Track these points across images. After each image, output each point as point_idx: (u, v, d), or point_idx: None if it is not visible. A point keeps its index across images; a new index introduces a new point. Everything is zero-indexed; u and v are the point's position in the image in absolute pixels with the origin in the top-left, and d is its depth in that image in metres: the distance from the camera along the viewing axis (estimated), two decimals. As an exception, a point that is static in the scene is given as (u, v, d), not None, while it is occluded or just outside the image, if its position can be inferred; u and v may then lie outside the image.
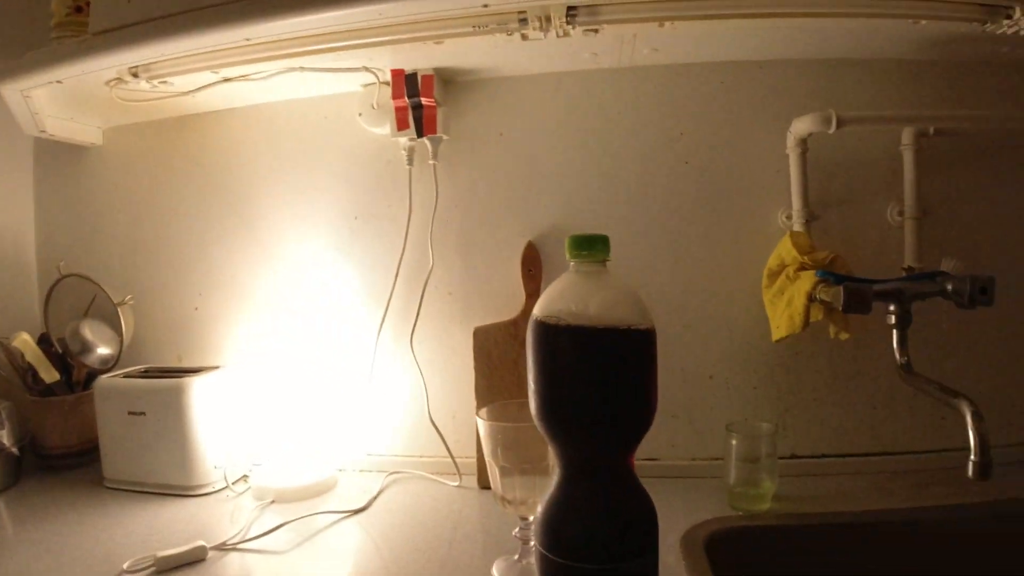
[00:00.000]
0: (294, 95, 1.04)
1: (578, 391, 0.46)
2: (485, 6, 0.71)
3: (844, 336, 0.85)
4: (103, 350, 1.05)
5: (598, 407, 0.46)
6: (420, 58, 0.90)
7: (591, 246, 0.50)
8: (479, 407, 0.93)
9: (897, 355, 0.75)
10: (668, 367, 0.94)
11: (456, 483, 0.95)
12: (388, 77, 0.94)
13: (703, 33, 0.84)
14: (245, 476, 0.99)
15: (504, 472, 0.70)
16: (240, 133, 1.07)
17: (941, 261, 0.80)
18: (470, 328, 0.98)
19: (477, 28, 0.77)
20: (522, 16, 0.75)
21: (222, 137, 1.08)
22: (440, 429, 0.99)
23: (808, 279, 0.84)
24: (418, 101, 0.95)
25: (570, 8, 0.74)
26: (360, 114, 0.99)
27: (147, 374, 1.00)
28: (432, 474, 0.98)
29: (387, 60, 0.90)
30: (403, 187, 1.00)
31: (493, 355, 0.96)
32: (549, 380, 0.48)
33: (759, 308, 0.91)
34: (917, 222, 0.87)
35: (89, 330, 1.05)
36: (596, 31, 0.78)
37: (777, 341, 0.88)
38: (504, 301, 0.99)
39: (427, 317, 1.00)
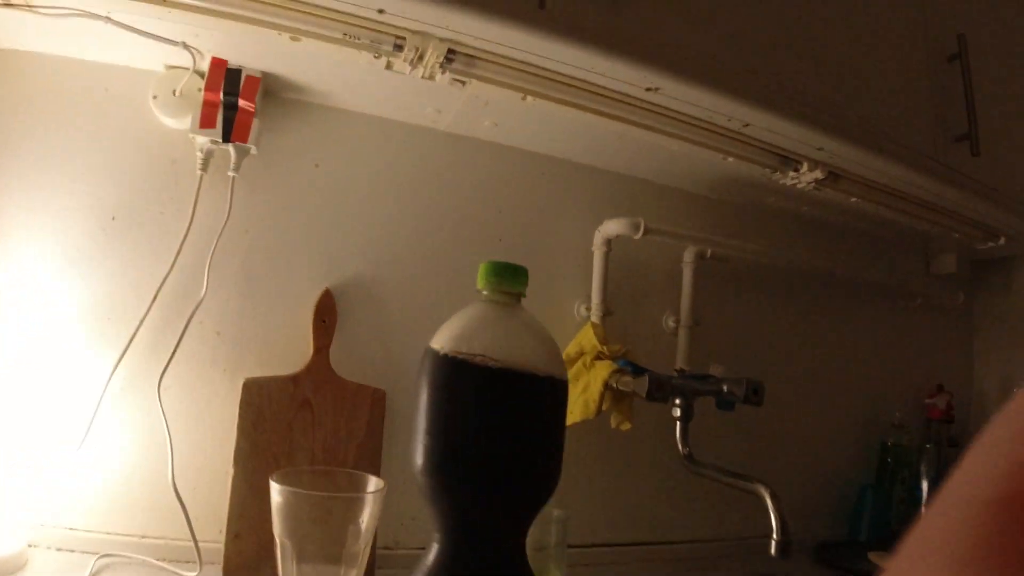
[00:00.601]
0: (76, 53, 0.83)
1: (484, 438, 0.41)
2: (380, 11, 0.66)
3: (626, 426, 0.92)
4: None
5: (507, 458, 0.41)
6: (254, 54, 0.81)
7: (513, 276, 0.47)
8: (237, 475, 0.78)
9: (680, 446, 0.83)
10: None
11: (194, 573, 0.76)
12: (206, 65, 0.82)
13: (544, 120, 0.90)
14: None
15: (303, 557, 0.58)
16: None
17: (710, 366, 0.94)
18: (238, 378, 0.83)
19: (348, 37, 0.72)
20: (399, 42, 0.72)
21: None
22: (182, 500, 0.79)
23: (605, 368, 0.90)
24: (234, 101, 0.83)
25: (450, 51, 0.73)
26: (155, 96, 0.84)
27: None
28: (160, 560, 0.78)
29: (215, 42, 0.78)
30: (185, 194, 0.84)
31: (265, 413, 0.81)
32: (448, 424, 0.42)
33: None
34: (690, 330, 1.00)
35: None
36: (463, 83, 0.78)
37: (570, 425, 0.92)
38: (284, 351, 0.87)
39: (183, 358, 0.82)
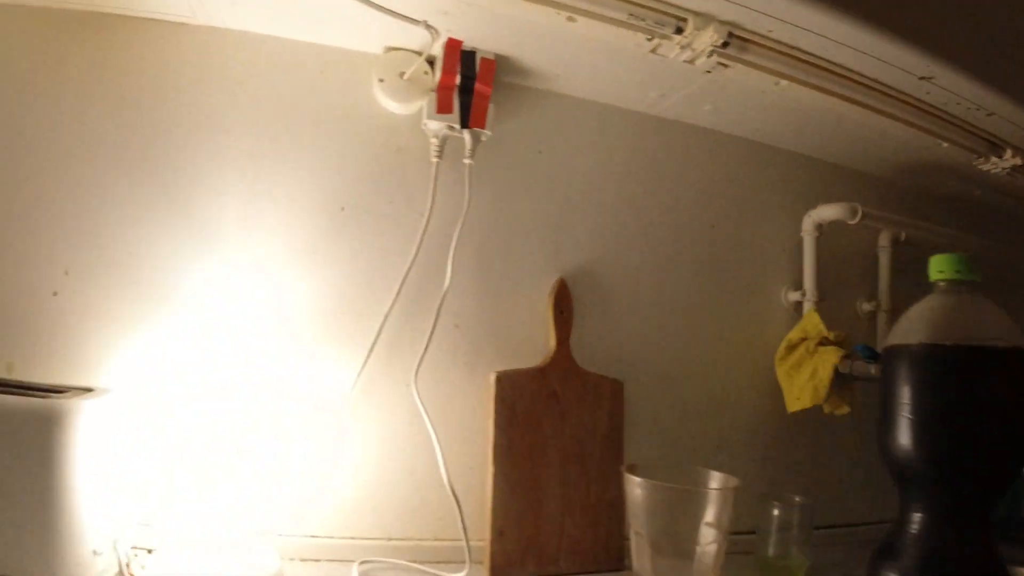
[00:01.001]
0: (289, 32, 0.80)
1: (976, 417, 0.42)
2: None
3: (844, 411, 0.94)
4: None
5: (996, 434, 0.42)
6: (485, 35, 0.78)
7: (970, 265, 0.47)
8: (497, 471, 0.77)
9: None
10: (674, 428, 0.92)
11: (463, 573, 0.75)
12: (434, 47, 0.79)
13: (769, 105, 0.89)
14: (137, 564, 0.63)
15: (658, 550, 0.57)
16: (186, 60, 0.77)
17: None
18: (476, 372, 0.82)
19: (631, 17, 0.70)
20: (680, 24, 0.71)
21: (154, 59, 0.76)
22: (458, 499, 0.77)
23: (833, 353, 0.90)
24: (471, 84, 0.81)
25: (730, 34, 0.73)
26: (381, 80, 0.81)
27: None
28: (422, 563, 0.76)
29: (451, 23, 0.75)
30: (414, 183, 0.83)
31: (517, 408, 0.80)
32: (942, 408, 0.42)
33: (762, 379, 0.96)
34: (888, 314, 1.02)
35: None
36: (726, 66, 0.77)
37: (793, 412, 0.93)
38: (520, 343, 0.85)
39: (427, 353, 0.80)
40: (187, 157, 0.76)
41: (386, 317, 0.79)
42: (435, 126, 0.81)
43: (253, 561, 0.67)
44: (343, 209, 0.81)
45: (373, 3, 0.71)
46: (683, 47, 0.75)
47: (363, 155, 0.82)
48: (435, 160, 0.82)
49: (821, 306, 0.99)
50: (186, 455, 0.71)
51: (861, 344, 0.88)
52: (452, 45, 0.80)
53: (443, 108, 0.81)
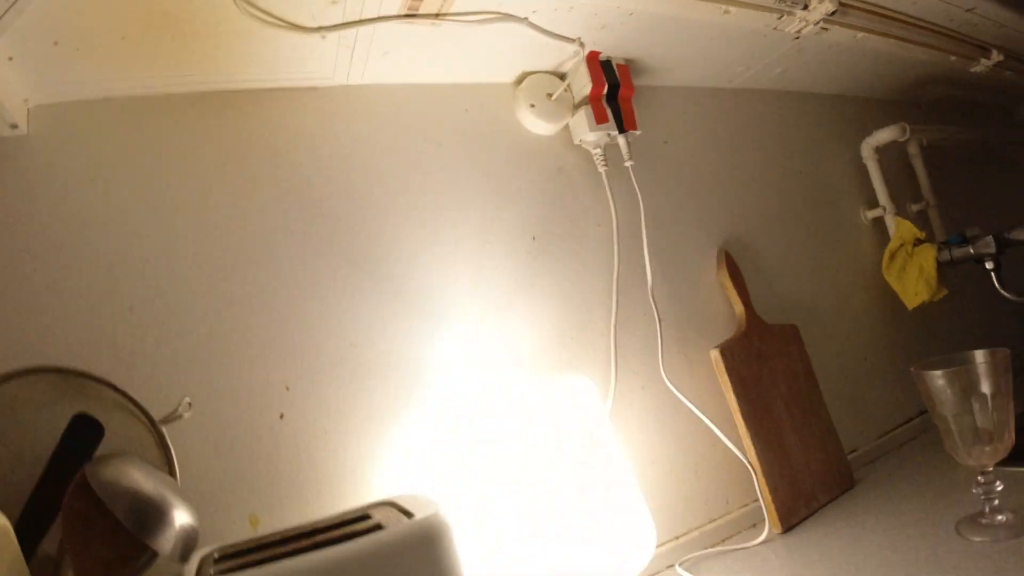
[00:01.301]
0: (425, 78, 0.79)
1: None
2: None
3: (944, 294, 1.10)
4: (183, 517, 0.53)
5: None
6: (615, 43, 0.83)
7: None
8: (752, 434, 0.83)
9: (1003, 290, 1.04)
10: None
11: (764, 534, 0.80)
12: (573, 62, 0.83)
13: (834, 59, 1.03)
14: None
15: (961, 435, 0.66)
16: (331, 124, 0.73)
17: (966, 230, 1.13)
18: (687, 351, 0.88)
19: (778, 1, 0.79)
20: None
21: (298, 130, 0.71)
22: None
23: (930, 249, 1.06)
24: (615, 91, 0.85)
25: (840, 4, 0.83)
26: (532, 105, 0.83)
27: (274, 549, 0.53)
28: (726, 540, 0.81)
29: (604, 35, 0.80)
30: (587, 195, 0.86)
31: (742, 373, 0.87)
32: None
33: (869, 292, 1.12)
34: (937, 209, 1.20)
35: (150, 480, 0.52)
36: (826, 30, 0.89)
37: (914, 308, 1.08)
38: (710, 317, 0.92)
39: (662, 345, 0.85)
40: (370, 218, 0.73)
41: (614, 327, 0.82)
42: (594, 137, 0.85)
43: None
44: (534, 239, 0.82)
45: (540, 28, 0.74)
46: (803, 20, 0.86)
47: (533, 182, 0.84)
48: (603, 169, 0.86)
49: (854, 219, 1.17)
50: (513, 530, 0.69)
51: (953, 235, 1.05)
52: (593, 57, 0.84)
53: (601, 118, 0.85)
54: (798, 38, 0.92)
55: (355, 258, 0.71)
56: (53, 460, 0.53)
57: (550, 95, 0.85)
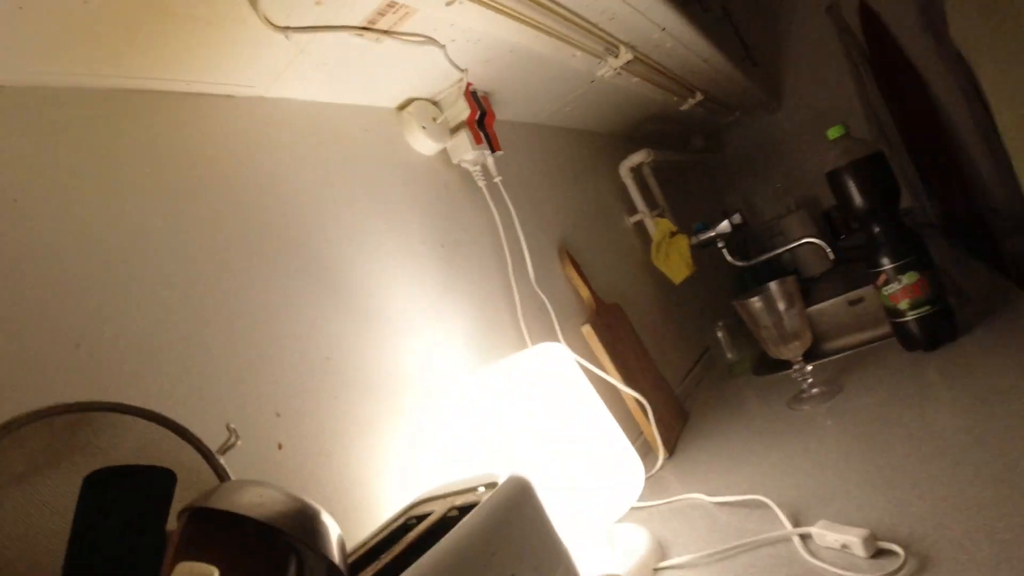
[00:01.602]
0: (330, 97, 0.84)
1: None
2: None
3: (693, 270, 1.47)
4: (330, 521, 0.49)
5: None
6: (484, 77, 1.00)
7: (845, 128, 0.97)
8: (632, 385, 1.04)
9: (732, 258, 1.45)
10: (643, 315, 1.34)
11: (660, 463, 1.01)
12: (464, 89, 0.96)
13: (599, 101, 1.32)
14: None
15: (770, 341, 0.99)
16: (254, 133, 0.73)
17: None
18: (566, 329, 1.05)
19: (607, 48, 1.02)
20: (615, 50, 1.07)
21: (223, 135, 0.70)
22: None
23: (683, 238, 1.42)
24: (483, 117, 0.99)
25: (634, 56, 1.11)
26: (424, 127, 0.93)
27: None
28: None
29: (485, 68, 0.96)
30: (470, 208, 1.00)
31: (609, 341, 1.08)
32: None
33: (647, 276, 1.44)
34: (671, 211, 1.59)
35: (277, 492, 0.47)
36: (619, 74, 1.16)
37: (680, 283, 1.42)
38: (566, 302, 1.11)
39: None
40: (318, 240, 0.76)
41: (521, 315, 0.97)
42: (473, 156, 0.98)
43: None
44: (443, 246, 0.92)
45: (449, 57, 0.86)
46: (610, 66, 1.12)
47: (427, 196, 0.94)
48: (483, 184, 1.00)
49: (621, 225, 1.52)
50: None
51: (699, 223, 1.44)
52: (468, 86, 0.98)
53: (478, 140, 0.98)
54: (593, 82, 1.19)
55: (307, 271, 0.72)
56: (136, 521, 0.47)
57: (435, 119, 0.97)
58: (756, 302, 0.98)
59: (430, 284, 0.87)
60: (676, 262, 1.44)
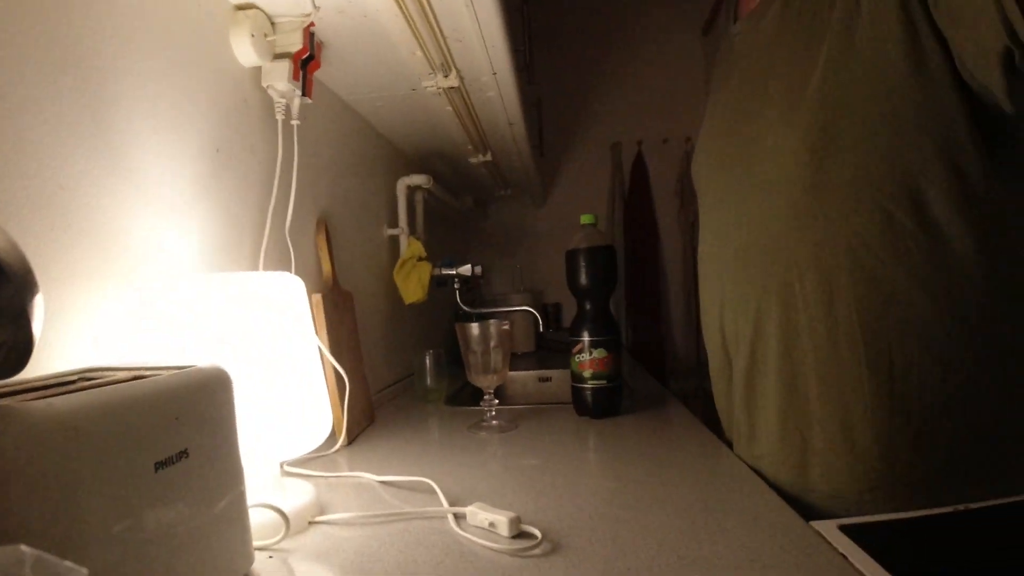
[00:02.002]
0: None
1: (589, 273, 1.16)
2: None
3: (423, 298, 1.55)
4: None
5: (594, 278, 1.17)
6: (330, 29, 1.02)
7: (596, 219, 1.16)
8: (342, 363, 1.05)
9: (461, 302, 1.56)
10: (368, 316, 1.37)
11: (337, 446, 1.02)
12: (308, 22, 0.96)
13: (404, 114, 1.38)
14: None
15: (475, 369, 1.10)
16: None
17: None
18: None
19: (444, 64, 1.08)
20: (448, 71, 1.13)
21: None
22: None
23: (428, 266, 1.50)
24: (310, 60, 0.97)
25: (461, 80, 1.19)
26: (253, 35, 0.89)
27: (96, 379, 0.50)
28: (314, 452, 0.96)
29: (334, 14, 0.97)
30: (261, 134, 0.97)
31: (331, 318, 1.08)
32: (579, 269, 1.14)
33: (386, 285, 1.48)
34: (419, 236, 1.66)
35: None
36: (438, 95, 1.23)
37: (409, 304, 1.47)
38: (310, 270, 1.09)
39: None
40: (107, 86, 0.68)
41: (265, 243, 0.93)
42: (284, 88, 0.97)
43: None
44: (218, 151, 0.87)
45: None
46: (436, 83, 1.19)
47: (224, 102, 0.90)
48: (280, 118, 0.97)
49: (378, 233, 1.58)
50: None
51: (447, 258, 1.53)
52: (311, 25, 0.97)
53: (296, 76, 0.97)
54: (415, 90, 1.26)
55: (63, 92, 0.64)
56: None
57: (266, 35, 0.94)
58: (475, 328, 1.09)
59: (192, 175, 0.83)
60: (413, 284, 1.52)
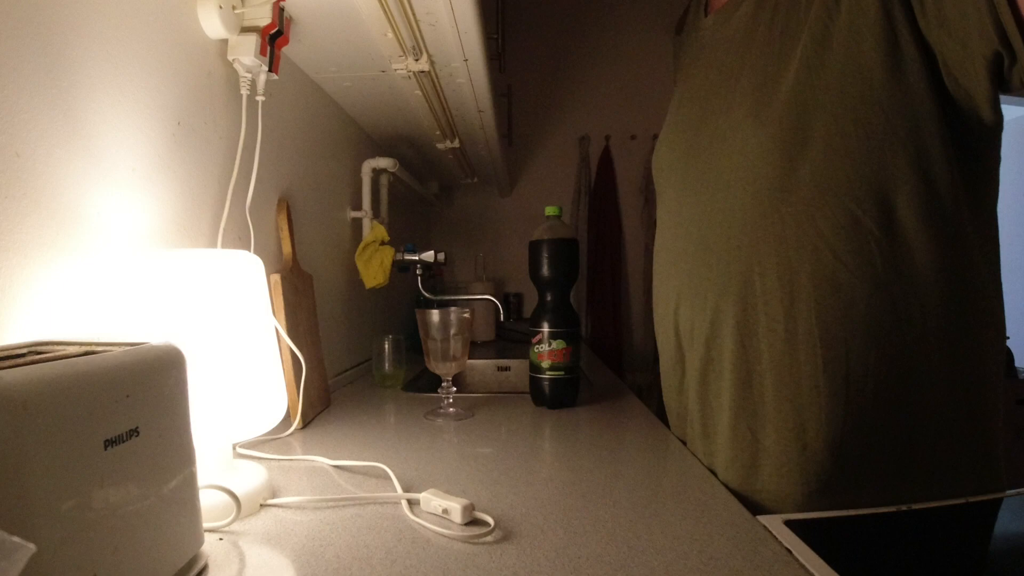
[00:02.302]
0: None
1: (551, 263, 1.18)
2: None
3: (384, 283, 1.54)
4: None
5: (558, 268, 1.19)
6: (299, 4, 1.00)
7: (559, 211, 1.17)
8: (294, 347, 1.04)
9: (423, 288, 1.55)
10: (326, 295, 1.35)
11: (291, 430, 1.01)
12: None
13: (375, 95, 1.36)
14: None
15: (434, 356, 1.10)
16: None
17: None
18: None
19: (413, 47, 1.07)
20: (418, 55, 1.12)
21: None
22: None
23: (390, 251, 1.49)
24: (278, 35, 0.95)
25: (431, 63, 1.18)
26: (221, 7, 0.87)
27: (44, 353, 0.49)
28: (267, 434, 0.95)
29: None
30: (223, 109, 0.95)
31: (289, 300, 1.06)
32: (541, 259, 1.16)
33: (346, 268, 1.47)
34: (384, 219, 1.65)
35: None
36: (408, 79, 1.21)
37: (370, 288, 1.46)
38: (271, 250, 1.07)
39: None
40: (67, 55, 0.66)
41: (224, 221, 0.91)
42: (250, 63, 0.95)
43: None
44: (179, 124, 0.85)
45: None
46: (406, 66, 1.18)
47: (187, 73, 0.88)
48: (245, 93, 0.95)
49: (341, 215, 1.56)
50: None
51: (410, 244, 1.52)
52: (281, 0, 0.95)
53: (263, 51, 0.95)
54: (384, 72, 1.25)
55: (24, 56, 0.61)
56: None
57: (234, 8, 0.91)
58: (435, 315, 1.10)
59: (152, 147, 0.80)
60: (375, 268, 1.51)
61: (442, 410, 1.13)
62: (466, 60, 1.19)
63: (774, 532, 0.62)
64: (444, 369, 1.13)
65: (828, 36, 0.71)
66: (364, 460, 0.86)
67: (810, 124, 0.71)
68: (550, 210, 1.18)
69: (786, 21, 0.76)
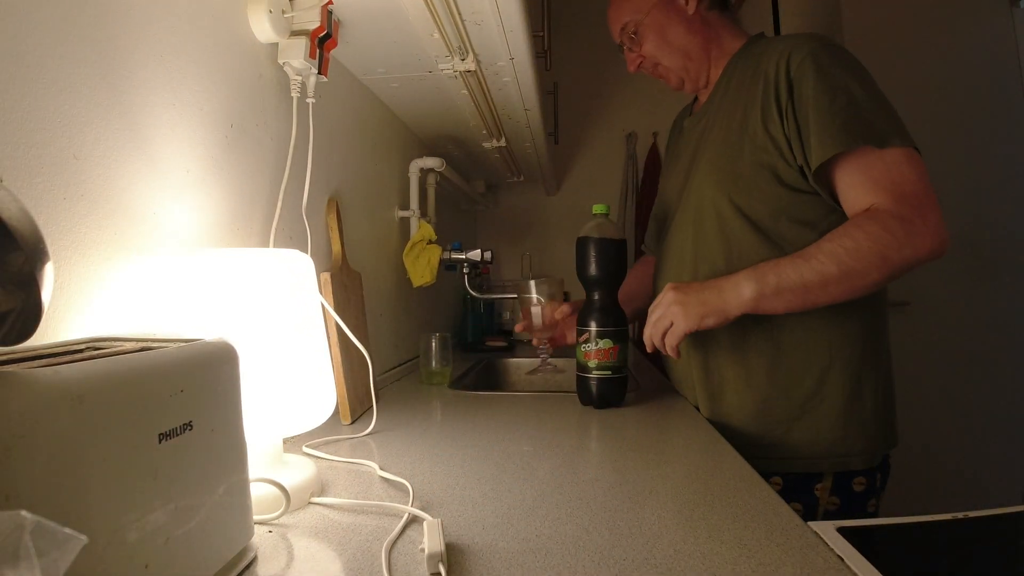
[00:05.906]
0: None
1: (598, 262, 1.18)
2: None
3: (432, 282, 1.55)
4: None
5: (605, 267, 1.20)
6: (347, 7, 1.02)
7: (607, 208, 1.16)
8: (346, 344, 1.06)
9: (470, 287, 1.57)
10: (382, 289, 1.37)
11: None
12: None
13: (421, 95, 1.38)
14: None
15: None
16: None
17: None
18: None
19: (460, 48, 1.07)
20: (464, 55, 1.13)
21: None
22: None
23: (437, 249, 1.50)
24: (327, 38, 0.97)
25: (477, 61, 1.18)
26: (271, 11, 0.88)
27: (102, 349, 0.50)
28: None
29: None
30: (275, 111, 0.97)
31: (339, 298, 1.08)
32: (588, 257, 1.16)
33: (395, 266, 1.49)
34: (431, 218, 1.66)
35: None
36: (455, 79, 1.22)
37: (417, 286, 1.48)
38: (319, 248, 1.09)
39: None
40: (125, 61, 0.68)
41: (276, 220, 0.93)
42: (300, 65, 0.96)
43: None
44: (232, 126, 0.87)
45: None
46: (453, 66, 1.18)
47: (239, 77, 0.90)
48: (296, 95, 0.97)
49: (389, 214, 1.58)
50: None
51: (456, 242, 1.53)
52: (330, 2, 0.96)
53: (313, 54, 0.96)
54: (431, 72, 1.25)
55: (81, 62, 0.64)
56: None
57: (284, 12, 0.93)
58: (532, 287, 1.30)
59: (206, 149, 0.82)
60: (422, 267, 1.52)
61: (541, 369, 1.40)
62: (512, 59, 1.18)
63: (826, 539, 0.59)
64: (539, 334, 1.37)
65: (746, 119, 1.11)
66: (407, 462, 0.87)
67: (740, 172, 1.11)
68: (597, 208, 1.17)
69: (739, 96, 1.13)
